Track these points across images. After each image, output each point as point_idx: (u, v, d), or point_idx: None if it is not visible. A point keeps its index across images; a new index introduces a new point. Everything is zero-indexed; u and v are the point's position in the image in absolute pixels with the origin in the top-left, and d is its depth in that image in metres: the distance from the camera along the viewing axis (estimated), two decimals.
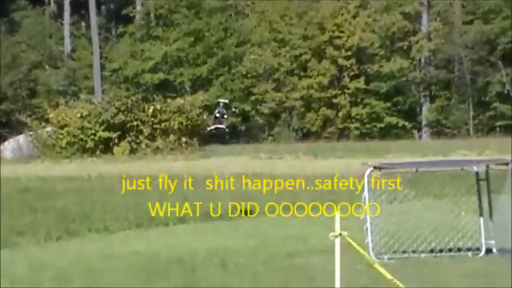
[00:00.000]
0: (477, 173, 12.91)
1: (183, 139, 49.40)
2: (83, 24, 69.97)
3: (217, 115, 23.87)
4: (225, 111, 24.26)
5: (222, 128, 24.02)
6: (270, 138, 59.85)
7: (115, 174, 32.33)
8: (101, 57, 64.03)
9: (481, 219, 12.81)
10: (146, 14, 65.07)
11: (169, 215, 18.91)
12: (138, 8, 65.76)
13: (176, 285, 11.24)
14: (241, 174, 29.53)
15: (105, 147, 48.43)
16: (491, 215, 12.60)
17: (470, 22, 60.19)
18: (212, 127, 25.02)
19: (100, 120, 48.80)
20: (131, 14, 65.34)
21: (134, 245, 14.94)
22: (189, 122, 50.20)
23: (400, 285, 9.29)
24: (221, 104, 24.87)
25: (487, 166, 12.84)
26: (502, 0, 58.79)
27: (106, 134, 48.46)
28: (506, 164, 12.26)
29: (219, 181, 27.60)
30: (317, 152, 42.55)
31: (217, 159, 42.14)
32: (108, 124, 48.61)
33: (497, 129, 58.07)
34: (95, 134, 48.61)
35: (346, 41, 59.40)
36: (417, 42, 60.57)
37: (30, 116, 52.93)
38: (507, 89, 58.09)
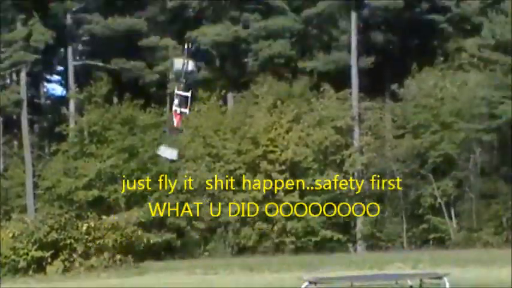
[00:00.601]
0: (411, 287, 13.08)
1: (118, 256, 49.12)
2: (15, 143, 69.68)
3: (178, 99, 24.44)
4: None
5: (185, 112, 24.76)
6: (206, 253, 59.62)
7: None
8: (34, 176, 63.76)
9: None
10: (79, 132, 64.91)
11: None
12: (72, 125, 65.65)
13: None
14: None
15: (38, 266, 47.84)
16: None
17: (401, 136, 61.28)
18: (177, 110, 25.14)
19: (32, 240, 48.35)
20: (64, 132, 65.20)
21: None
22: (124, 238, 50.02)
23: None
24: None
25: (421, 280, 13.03)
26: (431, 115, 60.00)
27: (39, 253, 47.96)
28: (440, 278, 12.45)
29: None
30: (253, 267, 42.51)
31: (152, 276, 41.79)
32: (40, 243, 48.14)
33: (431, 242, 58.61)
34: (27, 254, 48.07)
35: (280, 155, 59.94)
36: (350, 156, 61.32)
37: None
38: (439, 202, 58.81)
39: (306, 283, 12.59)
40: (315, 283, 12.90)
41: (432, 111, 60.46)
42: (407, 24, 67.65)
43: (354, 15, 64.69)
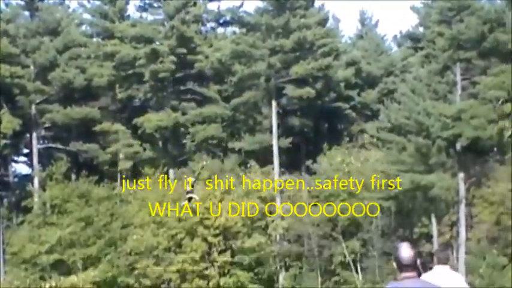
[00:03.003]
0: None
1: None
2: None
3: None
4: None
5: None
6: None
7: None
8: (3, 243, 62.75)
9: None
10: (43, 204, 64.30)
11: None
12: (36, 199, 65.02)
13: None
14: None
15: None
16: None
17: (315, 204, 61.66)
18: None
19: None
20: (29, 205, 64.55)
21: None
22: None
23: None
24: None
25: None
26: (340, 186, 60.58)
27: None
28: None
29: None
30: None
31: None
32: None
33: None
34: None
35: (214, 221, 59.81)
36: (273, 221, 61.51)
37: None
38: (347, 259, 59.14)
39: None
40: None
41: (341, 183, 61.06)
42: (319, 111, 68.67)
43: (274, 103, 65.53)
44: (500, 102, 57.01)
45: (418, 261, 7.25)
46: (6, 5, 70.70)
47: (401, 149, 58.08)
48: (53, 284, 49.16)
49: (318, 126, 70.55)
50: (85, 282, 51.17)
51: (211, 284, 59.32)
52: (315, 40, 65.40)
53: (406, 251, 7.20)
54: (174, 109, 68.24)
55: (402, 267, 7.17)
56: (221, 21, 73.29)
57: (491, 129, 55.86)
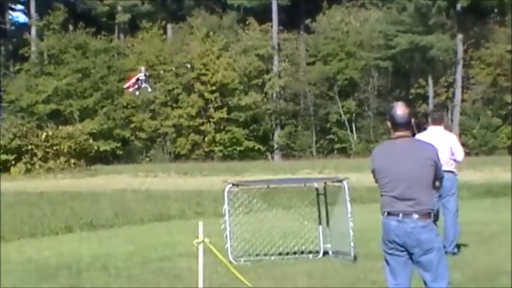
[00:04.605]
0: (317, 189, 13.10)
1: (72, 160, 48.63)
2: None
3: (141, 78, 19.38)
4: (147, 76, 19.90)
5: (146, 87, 19.71)
6: (147, 159, 59.50)
7: (12, 191, 31.50)
8: (0, 91, 62.62)
9: (320, 227, 12.99)
10: (40, 54, 64.00)
11: (58, 225, 18.54)
12: (33, 48, 64.59)
13: (63, 286, 11.04)
14: (121, 190, 29.12)
15: (4, 168, 47.20)
16: (328, 223, 12.80)
17: (313, 63, 61.33)
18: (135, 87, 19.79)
19: None
20: (27, 54, 64.16)
21: (28, 253, 14.59)
22: (78, 146, 49.50)
23: (248, 284, 9.46)
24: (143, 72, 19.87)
25: (325, 183, 13.05)
26: (337, 45, 60.08)
27: (4, 157, 47.22)
28: (340, 181, 12.48)
29: (102, 195, 27.20)
30: (187, 171, 42.49)
31: (101, 177, 41.57)
32: (5, 148, 47.42)
33: (335, 151, 59.20)
34: None
35: (211, 77, 59.67)
36: (270, 79, 61.34)
37: None
38: (343, 118, 59.32)
39: (230, 185, 12.53)
40: (237, 185, 12.84)
41: (339, 42, 60.54)
42: None
43: None
44: None
45: (413, 121, 6.88)
46: None
47: (401, 9, 57.32)
48: (50, 133, 49.16)
49: None
50: (81, 133, 51.23)
51: (206, 139, 59.71)
52: None
53: (400, 109, 6.87)
54: None
55: (396, 125, 6.86)
56: None
57: None
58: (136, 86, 19.30)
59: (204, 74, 59.98)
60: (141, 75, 19.29)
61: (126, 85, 19.79)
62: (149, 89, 20.23)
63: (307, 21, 64.28)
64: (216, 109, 59.82)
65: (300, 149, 60.34)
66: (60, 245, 15.57)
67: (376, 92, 59.96)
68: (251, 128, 60.56)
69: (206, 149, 59.64)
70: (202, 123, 59.88)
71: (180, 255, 12.93)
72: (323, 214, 12.88)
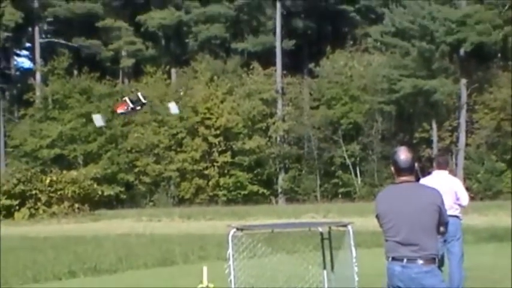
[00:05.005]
0: (321, 233, 13.07)
1: (76, 205, 48.67)
2: None
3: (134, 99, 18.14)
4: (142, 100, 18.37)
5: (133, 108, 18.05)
6: (151, 203, 59.45)
7: (15, 236, 31.46)
8: (4, 136, 62.85)
9: (324, 271, 12.94)
10: (44, 99, 64.28)
11: (62, 270, 18.48)
12: (38, 93, 64.93)
13: None
14: (125, 234, 29.06)
15: (7, 213, 47.22)
16: (332, 268, 12.76)
17: (317, 107, 61.45)
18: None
19: (2, 190, 47.61)
20: (31, 99, 64.48)
21: None
22: (82, 190, 49.55)
23: None
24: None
25: (329, 227, 13.02)
26: (341, 89, 60.28)
27: (8, 202, 47.25)
28: (345, 226, 12.47)
29: (106, 239, 27.14)
30: (190, 215, 42.43)
31: (105, 222, 41.51)
32: (9, 193, 47.47)
33: (339, 195, 59.03)
34: None
35: (215, 121, 59.81)
36: (274, 123, 61.43)
37: None
38: (347, 162, 59.26)
39: (234, 229, 12.50)
40: (241, 229, 12.81)
41: (343, 86, 60.73)
42: (323, 13, 67.77)
43: (278, 4, 64.56)
44: (506, 7, 56.13)
45: (416, 166, 6.91)
46: None
47: (404, 53, 57.55)
48: (54, 178, 49.25)
49: (322, 29, 69.72)
50: (85, 178, 51.32)
51: (210, 183, 59.67)
52: None
53: (403, 154, 6.90)
54: (178, 7, 67.37)
55: (399, 170, 6.89)
56: None
57: (496, 34, 55.24)
58: (127, 108, 18.56)
59: (208, 118, 60.15)
60: (134, 97, 18.73)
61: (118, 110, 19.03)
62: (172, 110, 19.08)
63: (311, 65, 64.59)
64: (220, 153, 59.88)
65: (304, 192, 60.20)
66: None
67: (380, 136, 59.98)
68: (255, 172, 60.54)
69: (210, 193, 59.57)
70: (206, 167, 59.90)
71: None
72: (327, 258, 12.82)
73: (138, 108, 18.51)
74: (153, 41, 68.86)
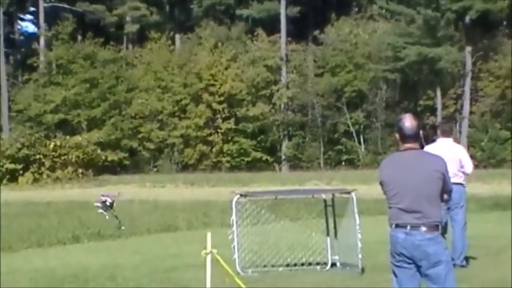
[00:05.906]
0: (325, 200, 13.11)
1: (80, 170, 48.77)
2: None
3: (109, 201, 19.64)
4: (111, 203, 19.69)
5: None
6: (155, 169, 59.53)
7: (19, 201, 31.56)
8: (9, 100, 62.82)
9: (328, 238, 12.99)
10: (48, 64, 64.16)
11: (66, 235, 18.56)
12: (41, 58, 64.76)
13: None
14: (129, 200, 29.12)
15: (11, 177, 47.35)
16: (336, 235, 12.80)
17: (321, 75, 61.30)
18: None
19: (6, 154, 47.70)
20: (35, 64, 64.35)
21: (35, 262, 14.61)
22: (85, 155, 49.63)
23: None
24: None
25: (333, 194, 13.05)
26: (346, 57, 60.09)
27: (12, 166, 47.36)
28: (349, 193, 12.49)
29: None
30: (194, 182, 42.51)
31: (109, 187, 41.60)
32: (13, 158, 47.57)
33: (343, 163, 59.06)
34: (1, 166, 47.43)
35: (219, 88, 59.68)
36: (278, 90, 61.33)
37: None
38: (351, 130, 59.26)
39: (237, 196, 12.53)
40: (245, 196, 12.84)
41: (347, 54, 60.51)
42: None
43: None
44: None
45: (421, 133, 6.90)
46: None
47: (409, 21, 57.26)
48: (58, 143, 49.30)
49: None
50: (89, 143, 51.37)
51: (214, 150, 59.70)
52: None
53: (408, 121, 6.88)
54: None
55: (404, 137, 6.87)
56: None
57: (501, 2, 54.98)
58: (102, 207, 19.51)
59: (212, 85, 60.01)
60: (108, 199, 19.50)
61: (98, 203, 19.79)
62: (106, 217, 19.64)
63: (316, 32, 64.29)
64: (224, 120, 59.82)
65: (308, 160, 60.23)
66: (68, 255, 15.60)
67: (384, 104, 59.89)
68: (259, 139, 60.54)
69: (214, 160, 59.61)
70: (210, 134, 59.88)
71: (188, 265, 12.93)
72: (331, 226, 12.88)
73: (108, 206, 19.42)
74: (158, 6, 68.54)
